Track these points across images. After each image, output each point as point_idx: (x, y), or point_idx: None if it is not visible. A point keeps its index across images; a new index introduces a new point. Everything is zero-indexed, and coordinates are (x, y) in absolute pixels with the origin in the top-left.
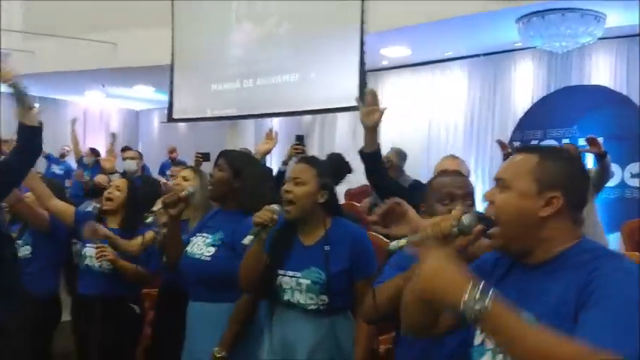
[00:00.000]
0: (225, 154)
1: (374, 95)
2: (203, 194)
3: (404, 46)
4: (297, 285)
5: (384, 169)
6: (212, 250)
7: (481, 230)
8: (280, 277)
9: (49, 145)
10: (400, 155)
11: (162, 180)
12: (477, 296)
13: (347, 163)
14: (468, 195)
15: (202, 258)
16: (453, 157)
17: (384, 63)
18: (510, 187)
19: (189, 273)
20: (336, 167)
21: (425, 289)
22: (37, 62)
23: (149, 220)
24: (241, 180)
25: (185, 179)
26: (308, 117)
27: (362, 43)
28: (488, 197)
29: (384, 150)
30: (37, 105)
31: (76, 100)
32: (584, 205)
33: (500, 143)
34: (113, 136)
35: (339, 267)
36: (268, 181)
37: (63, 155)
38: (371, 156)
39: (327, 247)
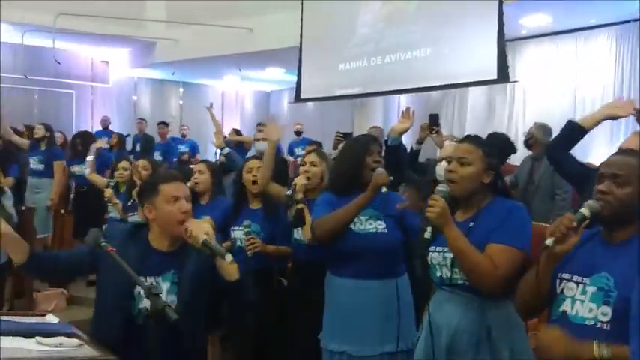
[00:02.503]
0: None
1: None
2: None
3: (545, 14)
4: (443, 259)
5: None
6: (382, 223)
7: None
8: (430, 253)
9: (193, 128)
10: (545, 130)
11: (291, 159)
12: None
13: (512, 143)
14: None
15: (379, 231)
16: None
17: (523, 32)
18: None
19: (366, 248)
20: (500, 147)
21: None
22: (180, 50)
23: (288, 193)
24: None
25: (313, 165)
26: (437, 93)
27: (501, 14)
28: None
29: (527, 125)
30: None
31: (214, 84)
32: None
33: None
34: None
35: (477, 240)
36: None
37: (184, 136)
38: (579, 133)
39: (471, 224)
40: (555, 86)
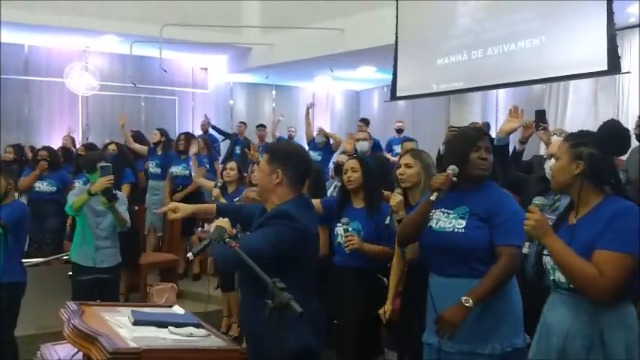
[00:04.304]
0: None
1: None
2: (427, 175)
3: None
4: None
5: None
6: (463, 222)
7: None
8: (544, 256)
9: (284, 129)
10: None
11: (389, 156)
12: None
13: (627, 131)
14: None
15: (456, 231)
16: None
17: (631, 20)
18: None
19: (441, 246)
20: (612, 138)
21: None
22: (274, 54)
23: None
24: None
25: (408, 166)
26: (538, 87)
27: (610, 1)
28: None
29: (635, 119)
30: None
31: (306, 85)
32: None
33: None
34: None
35: (581, 240)
36: None
37: (290, 137)
38: None
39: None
40: None
